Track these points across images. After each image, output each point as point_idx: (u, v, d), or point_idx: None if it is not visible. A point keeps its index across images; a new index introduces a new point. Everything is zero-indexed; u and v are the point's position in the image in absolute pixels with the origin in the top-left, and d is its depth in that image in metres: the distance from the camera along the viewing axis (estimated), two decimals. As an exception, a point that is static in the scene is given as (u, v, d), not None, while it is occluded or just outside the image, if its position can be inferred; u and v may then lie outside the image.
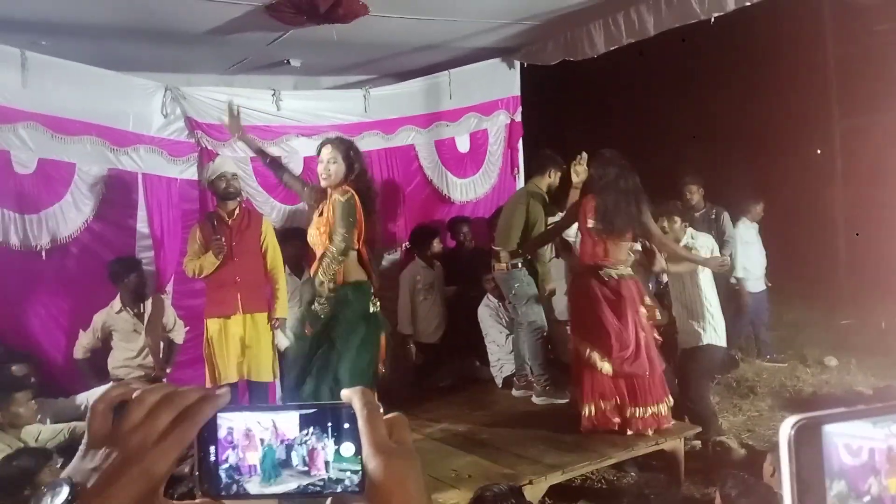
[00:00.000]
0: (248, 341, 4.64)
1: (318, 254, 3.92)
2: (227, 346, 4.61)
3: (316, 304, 3.89)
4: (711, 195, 6.75)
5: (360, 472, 0.60)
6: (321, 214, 3.93)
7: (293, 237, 5.32)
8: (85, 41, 4.83)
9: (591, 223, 4.44)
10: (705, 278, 4.69)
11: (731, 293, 6.50)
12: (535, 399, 5.18)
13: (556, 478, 3.93)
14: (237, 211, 4.74)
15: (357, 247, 3.89)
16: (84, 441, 0.60)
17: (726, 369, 6.12)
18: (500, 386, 5.58)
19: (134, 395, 0.61)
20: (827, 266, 9.41)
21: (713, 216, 6.62)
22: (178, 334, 4.92)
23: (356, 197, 3.81)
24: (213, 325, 4.64)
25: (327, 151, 3.89)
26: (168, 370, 4.86)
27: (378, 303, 4.04)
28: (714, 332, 4.65)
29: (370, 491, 0.59)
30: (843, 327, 7.61)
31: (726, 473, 4.11)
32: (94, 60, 4.82)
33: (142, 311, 4.71)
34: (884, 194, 8.00)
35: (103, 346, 4.68)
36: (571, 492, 4.33)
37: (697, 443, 4.67)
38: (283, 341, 4.96)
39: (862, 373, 6.31)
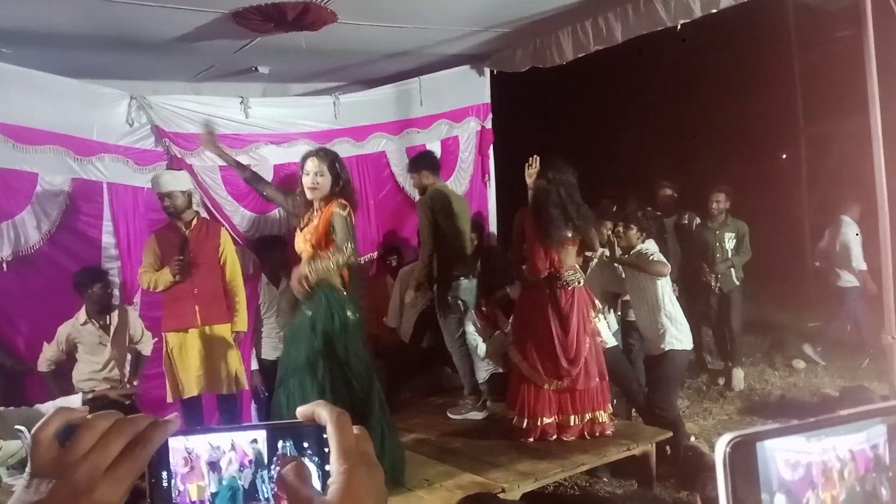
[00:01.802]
0: (208, 354, 4.57)
1: (304, 259, 3.89)
2: (187, 359, 4.55)
3: (303, 308, 3.90)
4: (680, 198, 6.84)
5: (322, 477, 0.59)
6: (307, 224, 3.91)
7: (273, 245, 5.28)
8: (48, 49, 4.74)
9: (531, 233, 4.48)
10: (663, 283, 4.74)
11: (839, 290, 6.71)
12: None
13: (529, 485, 3.92)
14: (194, 222, 4.68)
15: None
16: (28, 470, 0.57)
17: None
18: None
19: (82, 422, 0.58)
20: (794, 270, 9.55)
21: (685, 220, 6.70)
22: (146, 346, 4.83)
23: (352, 210, 3.84)
24: (172, 338, 4.58)
25: (313, 164, 3.84)
26: (136, 382, 4.78)
27: (355, 311, 3.98)
28: (676, 337, 4.70)
29: (333, 496, 0.57)
30: (811, 330, 7.72)
31: (707, 477, 4.13)
32: (57, 69, 4.73)
33: (108, 322, 4.62)
34: (848, 198, 8.14)
35: (68, 359, 4.59)
36: (544, 499, 4.33)
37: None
38: (254, 362, 4.92)
39: (829, 375, 6.41)
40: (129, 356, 4.76)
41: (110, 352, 4.60)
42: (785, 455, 0.55)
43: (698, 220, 6.61)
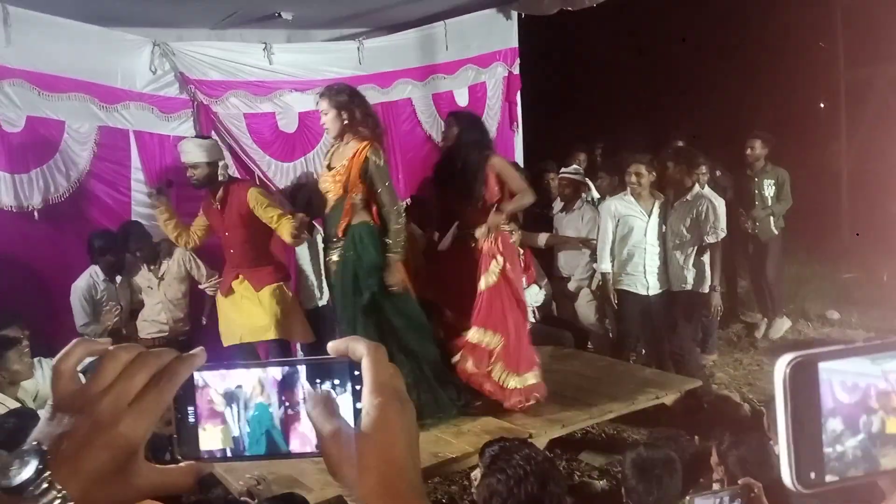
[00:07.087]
0: (249, 313, 4.48)
1: (330, 202, 3.97)
2: (226, 316, 4.55)
3: (333, 255, 3.99)
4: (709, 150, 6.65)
5: (354, 416, 0.58)
6: (333, 162, 3.98)
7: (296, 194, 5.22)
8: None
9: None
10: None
11: None
12: None
13: (557, 431, 3.93)
14: (220, 192, 4.43)
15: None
16: (50, 403, 0.56)
17: None
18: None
19: (105, 353, 0.57)
20: (830, 220, 9.34)
21: (717, 173, 6.55)
22: (210, 285, 4.74)
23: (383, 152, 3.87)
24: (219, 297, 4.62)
25: (322, 105, 3.93)
26: (204, 321, 4.86)
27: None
28: None
29: (365, 429, 0.55)
30: (846, 281, 7.57)
31: (723, 431, 4.09)
32: (79, 15, 4.68)
33: (158, 266, 4.70)
34: (888, 146, 7.89)
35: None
36: (573, 444, 4.34)
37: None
38: None
39: (863, 326, 6.29)
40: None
41: (159, 295, 4.68)
42: (843, 377, 0.53)
43: (723, 174, 6.42)
